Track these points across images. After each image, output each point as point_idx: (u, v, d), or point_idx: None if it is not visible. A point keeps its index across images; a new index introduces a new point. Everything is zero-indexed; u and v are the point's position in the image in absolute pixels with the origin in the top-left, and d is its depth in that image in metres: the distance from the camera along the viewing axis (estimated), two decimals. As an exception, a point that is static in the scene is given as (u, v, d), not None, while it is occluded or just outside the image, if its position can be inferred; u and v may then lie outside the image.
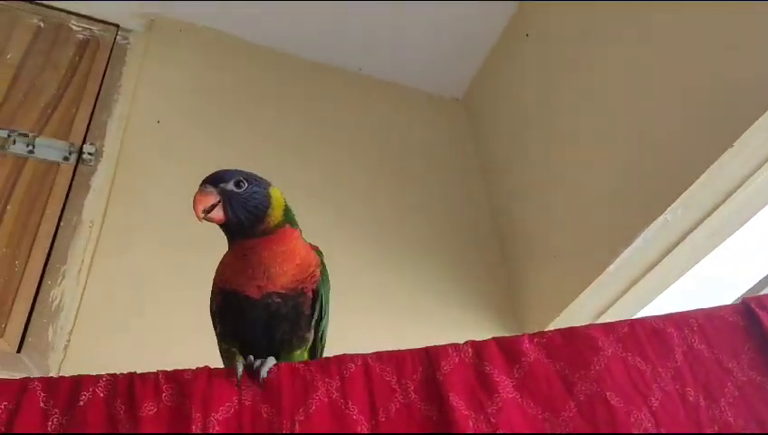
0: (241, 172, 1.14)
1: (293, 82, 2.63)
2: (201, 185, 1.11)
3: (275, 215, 1.12)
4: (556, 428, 0.92)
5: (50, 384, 0.93)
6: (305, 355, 1.18)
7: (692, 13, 1.78)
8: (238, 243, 1.13)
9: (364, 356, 0.98)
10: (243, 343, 1.11)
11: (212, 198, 1.08)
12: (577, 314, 2.07)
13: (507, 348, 1.00)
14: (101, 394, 0.92)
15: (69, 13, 2.36)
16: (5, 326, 1.66)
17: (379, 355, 0.98)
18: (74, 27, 2.35)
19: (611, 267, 1.90)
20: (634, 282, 1.94)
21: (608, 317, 2.04)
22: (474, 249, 2.41)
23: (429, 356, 0.99)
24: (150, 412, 0.89)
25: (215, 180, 1.11)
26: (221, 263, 1.19)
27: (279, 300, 1.10)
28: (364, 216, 2.34)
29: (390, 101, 2.77)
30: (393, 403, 0.93)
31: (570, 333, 1.02)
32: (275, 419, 0.89)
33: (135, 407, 0.89)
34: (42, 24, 2.29)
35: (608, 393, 0.95)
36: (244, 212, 1.09)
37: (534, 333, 1.03)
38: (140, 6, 2.47)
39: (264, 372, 0.97)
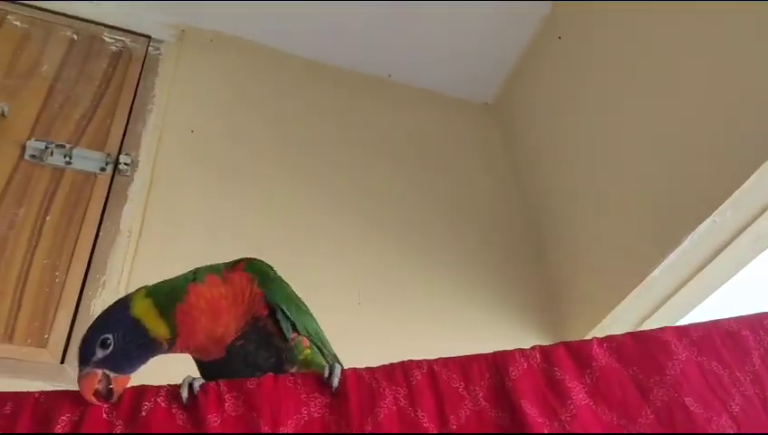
0: (97, 327, 0.98)
1: (323, 90, 2.62)
2: (78, 367, 0.96)
3: (158, 329, 0.99)
4: (634, 435, 0.89)
5: (112, 395, 0.91)
6: (313, 356, 1.09)
7: (737, 9, 1.75)
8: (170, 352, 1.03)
9: (429, 362, 0.96)
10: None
11: (93, 378, 0.93)
12: (619, 320, 2.03)
13: (576, 352, 0.97)
14: (163, 404, 0.90)
15: (102, 25, 2.38)
16: (48, 337, 1.66)
17: (444, 361, 0.95)
18: (107, 39, 2.36)
19: (656, 271, 1.86)
20: (680, 286, 1.90)
21: (652, 323, 2.00)
22: (510, 256, 2.38)
23: (496, 362, 0.96)
24: (215, 423, 0.87)
25: (84, 359, 0.95)
26: None
27: (242, 341, 1.04)
28: (397, 223, 2.32)
29: (421, 108, 2.75)
30: (463, 410, 0.90)
31: (641, 337, 0.99)
32: (344, 428, 0.87)
33: (199, 419, 0.88)
34: (75, 37, 2.31)
35: (686, 399, 0.91)
36: (134, 360, 0.98)
37: (603, 338, 1.00)
38: (171, 16, 2.49)
39: (335, 381, 0.94)
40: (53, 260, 1.78)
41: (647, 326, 1.87)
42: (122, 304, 1.01)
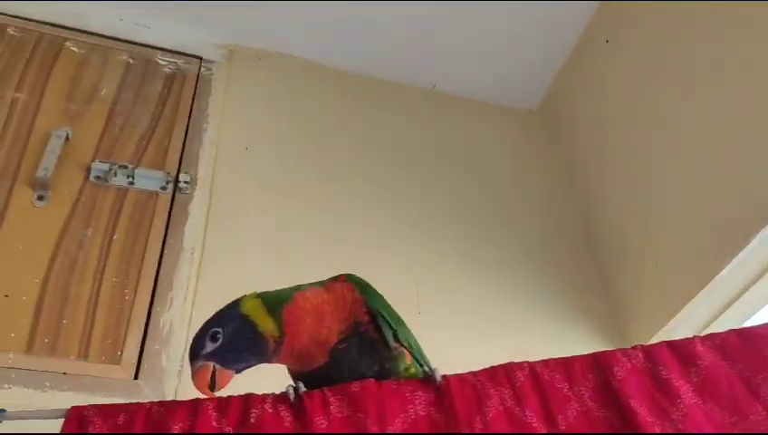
0: (208, 323, 1.05)
1: (369, 103, 2.64)
2: (190, 363, 1.03)
3: (266, 325, 1.03)
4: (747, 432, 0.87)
5: (220, 404, 0.93)
6: (416, 373, 1.09)
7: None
8: (275, 360, 1.06)
9: (531, 364, 0.96)
10: None
11: (205, 371, 0.99)
12: (684, 323, 2.00)
13: (680, 351, 0.96)
14: (270, 410, 0.91)
15: (155, 48, 2.43)
16: (121, 354, 1.69)
17: (545, 362, 0.95)
18: (161, 62, 2.41)
19: (724, 271, 1.83)
20: (748, 286, 1.87)
21: (719, 324, 1.96)
22: (568, 261, 2.37)
23: (598, 362, 0.95)
24: (322, 425, 0.88)
25: (195, 353, 1.02)
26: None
27: (345, 344, 1.05)
28: (450, 233, 2.32)
29: (466, 117, 2.75)
30: (570, 410, 0.89)
31: (745, 334, 0.98)
32: (453, 426, 0.87)
33: (306, 421, 0.89)
34: (131, 61, 2.36)
35: (796, 394, 0.90)
36: (243, 353, 1.02)
37: (705, 336, 0.99)
38: (219, 37, 2.54)
39: (438, 377, 0.95)
40: (122, 278, 1.82)
41: (713, 329, 1.83)
42: (232, 304, 1.07)
